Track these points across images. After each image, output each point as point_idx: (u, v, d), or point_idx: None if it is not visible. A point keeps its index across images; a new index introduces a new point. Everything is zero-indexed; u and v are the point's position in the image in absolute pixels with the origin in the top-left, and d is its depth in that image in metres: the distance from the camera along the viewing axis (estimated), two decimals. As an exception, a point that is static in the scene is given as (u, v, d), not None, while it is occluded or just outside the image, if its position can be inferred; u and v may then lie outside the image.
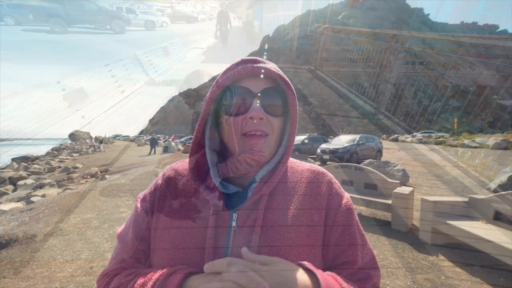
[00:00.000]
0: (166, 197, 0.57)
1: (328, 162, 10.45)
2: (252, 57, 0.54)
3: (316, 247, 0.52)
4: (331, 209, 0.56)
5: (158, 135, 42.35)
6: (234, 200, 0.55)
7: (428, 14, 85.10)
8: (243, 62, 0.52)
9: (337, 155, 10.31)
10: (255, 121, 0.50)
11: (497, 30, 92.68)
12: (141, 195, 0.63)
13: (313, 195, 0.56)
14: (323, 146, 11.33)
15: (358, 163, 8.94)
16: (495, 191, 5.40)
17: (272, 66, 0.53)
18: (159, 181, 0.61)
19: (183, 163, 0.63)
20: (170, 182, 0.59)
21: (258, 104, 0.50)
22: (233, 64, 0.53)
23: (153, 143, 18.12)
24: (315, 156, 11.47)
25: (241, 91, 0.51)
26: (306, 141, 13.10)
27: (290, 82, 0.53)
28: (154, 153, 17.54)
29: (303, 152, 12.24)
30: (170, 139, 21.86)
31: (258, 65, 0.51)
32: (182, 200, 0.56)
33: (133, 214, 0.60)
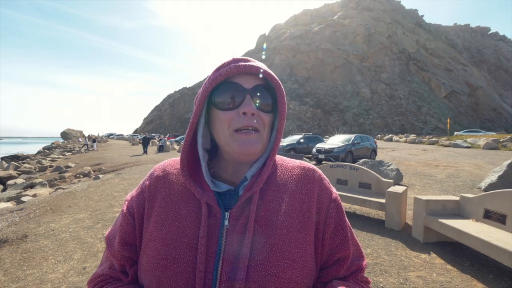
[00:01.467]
0: (156, 198, 0.56)
1: (323, 162, 10.53)
2: (243, 57, 0.55)
3: (308, 242, 0.53)
4: (322, 205, 0.57)
5: (152, 134, 42.05)
6: (225, 198, 0.55)
7: (423, 16, 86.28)
8: (235, 61, 0.53)
9: (332, 155, 10.38)
10: (247, 117, 0.51)
11: (489, 32, 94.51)
12: (128, 196, 0.62)
13: (304, 191, 0.57)
14: (319, 145, 11.39)
15: (353, 162, 9.03)
16: (485, 190, 5.54)
17: (262, 65, 0.55)
18: (147, 182, 0.60)
19: (171, 162, 0.63)
20: (159, 182, 0.58)
21: (250, 100, 0.51)
22: (224, 62, 0.54)
23: (145, 142, 18.09)
24: (310, 155, 11.54)
25: (234, 87, 0.52)
26: (301, 140, 13.11)
27: (279, 80, 0.55)
28: (145, 152, 17.45)
29: (299, 151, 12.28)
30: (165, 138, 21.68)
31: (250, 63, 0.53)
32: (173, 200, 0.55)
33: (120, 217, 0.59)
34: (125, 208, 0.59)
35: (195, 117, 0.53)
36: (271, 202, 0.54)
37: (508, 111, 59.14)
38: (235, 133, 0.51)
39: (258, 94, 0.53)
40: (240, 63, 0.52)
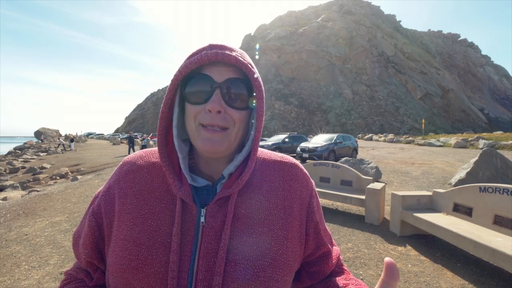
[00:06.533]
0: (126, 195, 0.51)
1: (307, 160, 10.76)
2: (220, 43, 0.49)
3: (289, 239, 0.51)
4: (303, 201, 0.56)
5: (135, 134, 40.68)
6: (202, 194, 0.51)
7: (400, 21, 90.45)
8: (210, 47, 0.48)
9: (316, 154, 10.65)
10: (213, 114, 0.46)
11: (459, 39, 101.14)
12: (97, 193, 0.57)
13: (286, 188, 0.54)
14: (303, 144, 11.64)
15: (336, 161, 9.31)
16: (455, 185, 5.95)
17: (239, 53, 0.48)
18: (116, 177, 0.55)
19: (141, 154, 0.58)
20: (128, 177, 0.53)
21: (218, 96, 0.46)
22: (199, 48, 0.48)
23: (130, 142, 17.49)
24: (295, 154, 11.75)
25: (203, 79, 0.47)
26: (286, 140, 13.34)
27: (257, 73, 0.49)
28: (130, 152, 16.90)
29: (284, 150, 12.47)
30: (148, 138, 21.06)
31: (224, 51, 0.46)
32: (145, 196, 0.51)
33: (86, 217, 0.55)
34: (92, 206, 0.54)
35: (165, 106, 0.49)
36: (251, 199, 0.51)
37: (476, 112, 63.75)
38: (201, 128, 0.47)
39: (230, 88, 0.47)
40: (212, 51, 0.46)
